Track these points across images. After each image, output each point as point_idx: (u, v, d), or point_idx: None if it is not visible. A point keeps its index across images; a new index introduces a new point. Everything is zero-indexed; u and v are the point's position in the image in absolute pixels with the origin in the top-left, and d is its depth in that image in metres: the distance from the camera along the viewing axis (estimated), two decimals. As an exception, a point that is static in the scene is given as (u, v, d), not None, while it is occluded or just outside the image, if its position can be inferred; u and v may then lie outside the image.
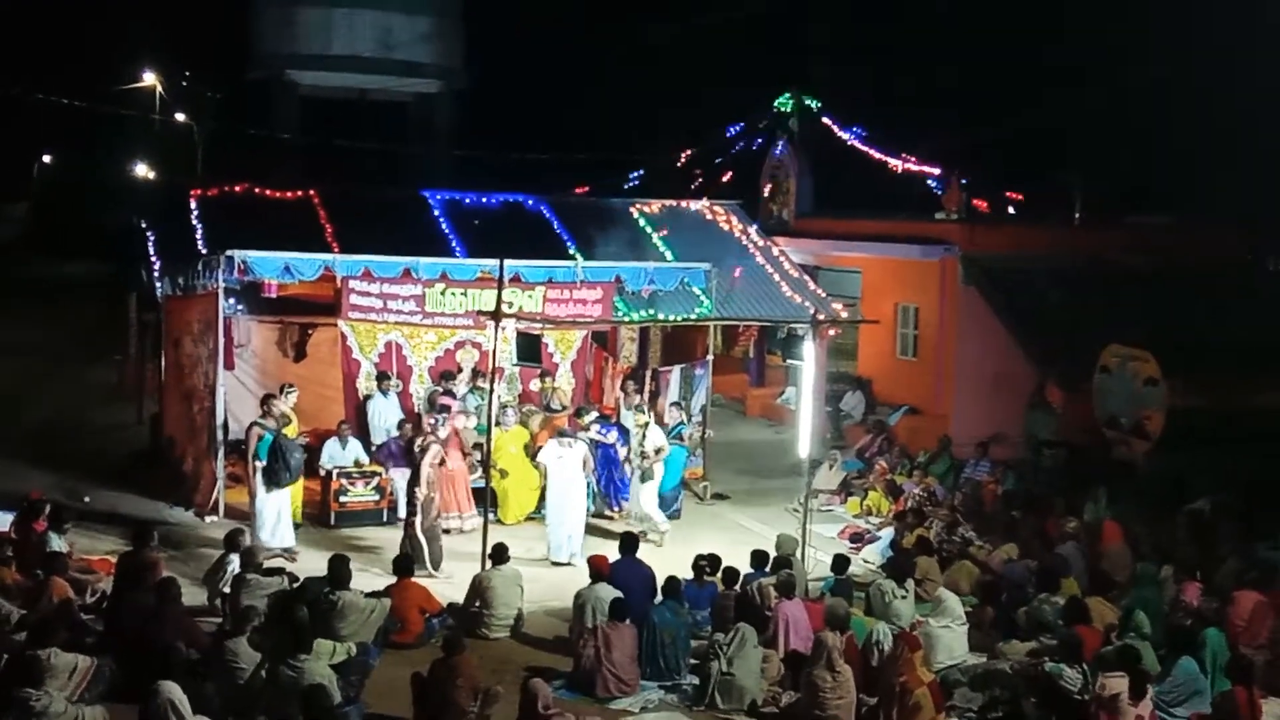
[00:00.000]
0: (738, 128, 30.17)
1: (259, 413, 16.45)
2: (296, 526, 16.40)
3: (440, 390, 18.32)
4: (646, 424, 17.84)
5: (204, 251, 18.29)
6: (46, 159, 61.35)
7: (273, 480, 15.65)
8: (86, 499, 17.49)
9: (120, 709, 10.38)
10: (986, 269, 23.16)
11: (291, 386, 17.45)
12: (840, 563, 14.54)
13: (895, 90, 37.94)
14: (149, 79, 47.63)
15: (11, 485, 17.10)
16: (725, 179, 30.31)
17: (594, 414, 18.28)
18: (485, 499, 15.53)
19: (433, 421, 16.97)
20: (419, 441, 16.04)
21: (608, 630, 12.26)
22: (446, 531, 16.27)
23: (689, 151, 31.08)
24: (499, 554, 13.93)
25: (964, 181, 26.51)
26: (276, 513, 15.78)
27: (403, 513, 16.15)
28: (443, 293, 18.35)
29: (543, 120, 45.36)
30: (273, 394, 16.96)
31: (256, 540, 15.12)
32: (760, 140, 29.89)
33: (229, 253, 17.06)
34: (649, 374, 20.85)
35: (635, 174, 30.69)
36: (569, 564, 15.96)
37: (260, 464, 15.68)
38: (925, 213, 27.11)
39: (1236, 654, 12.34)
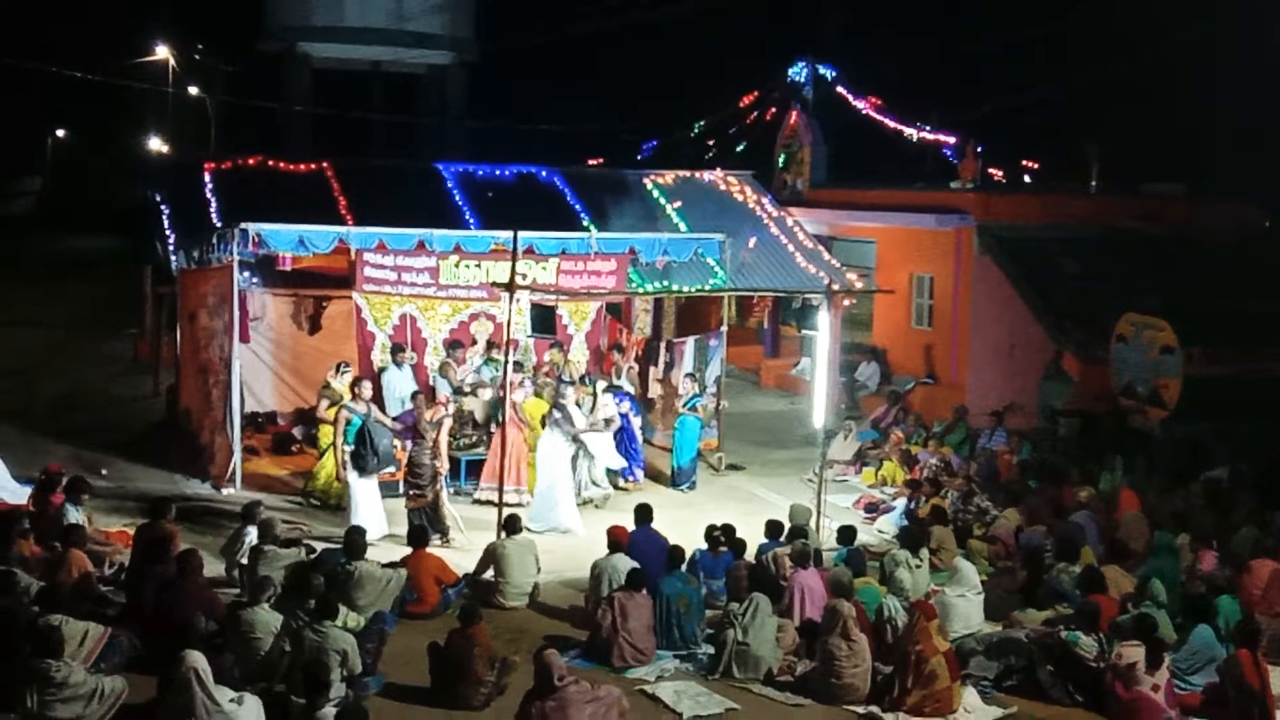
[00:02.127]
0: (752, 97, 30.07)
1: (349, 395, 16.10)
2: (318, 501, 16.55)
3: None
4: (593, 392, 17.80)
5: (218, 224, 18.31)
6: (60, 133, 61.43)
7: (360, 466, 15.27)
8: (104, 471, 17.56)
9: (140, 680, 10.45)
10: (1002, 238, 23.09)
11: (347, 365, 17.39)
12: (847, 534, 14.51)
13: (911, 58, 37.73)
14: (162, 52, 47.64)
15: (29, 458, 17.17)
16: (739, 149, 30.22)
17: (603, 384, 18.30)
18: (500, 469, 15.56)
19: (446, 397, 16.96)
20: (429, 415, 15.95)
21: (624, 600, 12.27)
22: (490, 503, 16.40)
23: (703, 121, 31.00)
24: (512, 524, 13.96)
25: (979, 150, 26.44)
26: (367, 500, 15.36)
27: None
28: (457, 265, 18.34)
29: (555, 92, 45.28)
30: (362, 377, 16.65)
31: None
32: (774, 110, 29.78)
33: (243, 225, 17.05)
34: (663, 345, 20.86)
35: (649, 144, 30.63)
36: (566, 531, 16.10)
37: (348, 449, 15.41)
38: (940, 182, 27.04)
39: (1243, 618, 12.34)
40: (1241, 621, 12.09)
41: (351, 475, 15.31)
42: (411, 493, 15.55)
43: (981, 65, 37.87)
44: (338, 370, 17.23)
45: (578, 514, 16.41)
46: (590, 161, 28.02)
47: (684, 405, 18.60)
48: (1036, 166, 30.97)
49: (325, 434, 16.79)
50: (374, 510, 15.33)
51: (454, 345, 18.66)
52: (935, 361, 24.32)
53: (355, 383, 16.30)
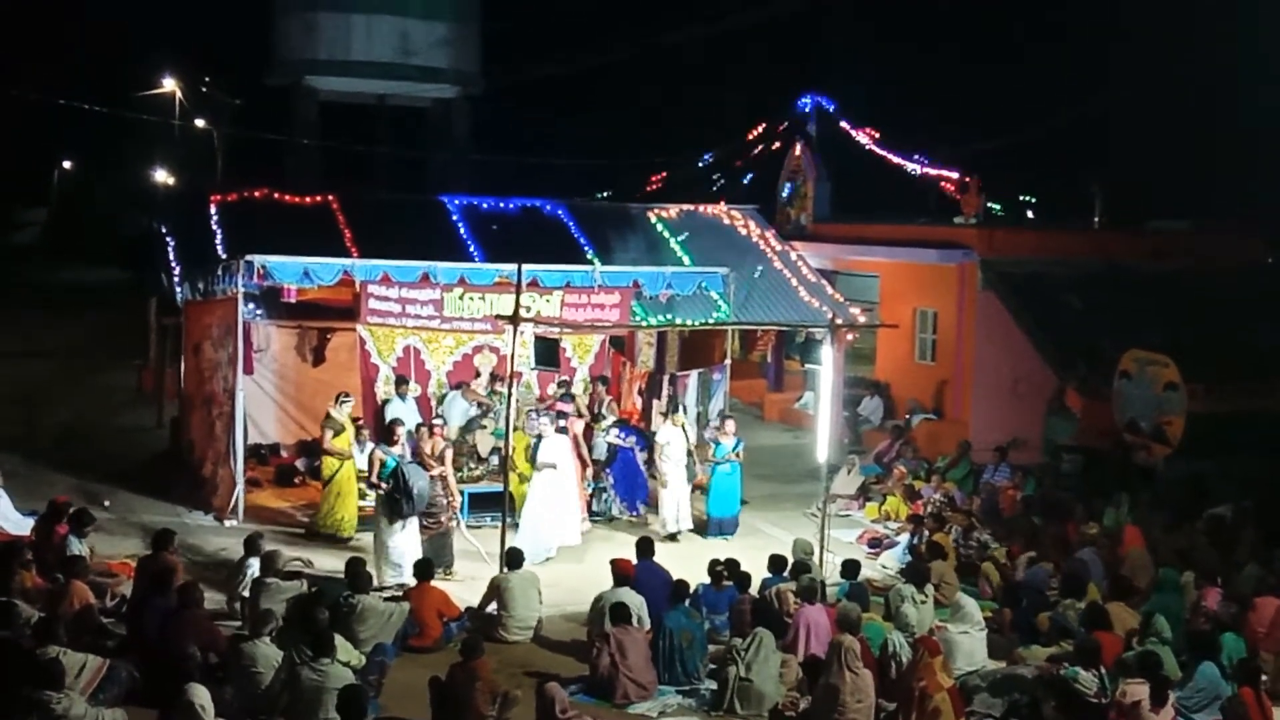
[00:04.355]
0: (756, 132, 30.20)
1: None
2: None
3: (556, 396, 18.23)
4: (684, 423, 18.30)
5: (223, 256, 18.33)
6: (66, 165, 61.68)
7: (394, 511, 14.99)
8: (106, 503, 17.53)
9: (140, 713, 10.40)
10: (1005, 274, 23.12)
11: (347, 396, 17.34)
12: (851, 568, 14.49)
13: (914, 94, 37.93)
14: (169, 85, 47.90)
15: (33, 489, 17.16)
16: (744, 182, 30.31)
17: (612, 418, 18.28)
18: (504, 503, 15.52)
19: (442, 428, 16.84)
20: (430, 447, 15.89)
21: (620, 635, 12.23)
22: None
23: (707, 156, 31.11)
24: (513, 559, 13.91)
25: (982, 185, 26.49)
26: (400, 547, 14.97)
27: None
28: (461, 297, 18.35)
29: (560, 125, 45.54)
30: (399, 419, 16.49)
31: (381, 576, 14.60)
32: (778, 144, 29.89)
33: (248, 257, 17.08)
34: (666, 379, 20.85)
35: (657, 177, 30.73)
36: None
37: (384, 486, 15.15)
38: (944, 217, 27.10)
39: (1246, 656, 12.28)
40: (1244, 660, 12.05)
41: (382, 520, 15.11)
42: (425, 522, 15.46)
43: (985, 101, 38.05)
44: (337, 401, 17.20)
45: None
46: (597, 195, 28.11)
47: (715, 455, 18.30)
48: (1038, 202, 31.08)
49: (329, 465, 16.77)
50: (409, 556, 14.76)
51: (461, 385, 18.63)
52: (939, 396, 24.31)
53: (390, 424, 16.23)
